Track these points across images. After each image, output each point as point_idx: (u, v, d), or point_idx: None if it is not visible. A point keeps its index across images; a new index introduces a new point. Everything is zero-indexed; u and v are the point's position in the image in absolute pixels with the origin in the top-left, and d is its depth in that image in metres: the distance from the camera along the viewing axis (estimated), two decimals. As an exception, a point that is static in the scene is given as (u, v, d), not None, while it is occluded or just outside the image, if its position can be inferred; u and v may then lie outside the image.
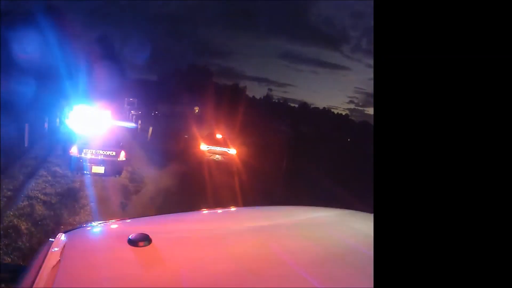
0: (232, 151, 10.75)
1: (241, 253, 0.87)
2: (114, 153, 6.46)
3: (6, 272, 0.92)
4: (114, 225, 1.08)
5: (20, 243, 3.56)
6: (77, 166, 6.21)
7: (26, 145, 8.27)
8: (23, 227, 3.89)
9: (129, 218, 1.12)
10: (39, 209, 4.55)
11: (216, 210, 1.35)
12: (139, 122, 17.18)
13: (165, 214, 1.24)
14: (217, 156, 10.57)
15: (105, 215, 4.96)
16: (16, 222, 3.98)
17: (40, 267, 0.72)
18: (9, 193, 4.88)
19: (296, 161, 13.84)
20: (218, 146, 10.77)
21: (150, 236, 0.84)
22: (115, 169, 6.53)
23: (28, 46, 15.40)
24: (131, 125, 15.61)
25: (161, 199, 6.11)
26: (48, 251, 0.79)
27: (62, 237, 0.87)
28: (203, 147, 10.65)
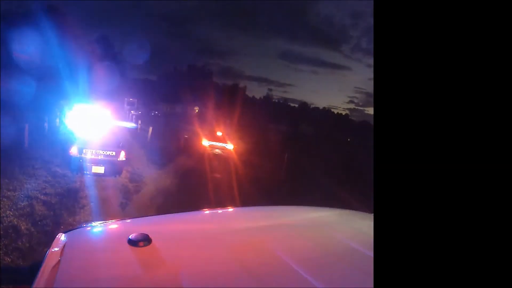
0: (230, 146, 12.39)
1: (241, 253, 0.87)
2: (114, 153, 6.46)
3: (6, 273, 0.92)
4: (114, 225, 1.08)
5: (20, 243, 3.56)
6: (77, 166, 6.21)
7: (26, 145, 8.27)
8: (23, 227, 3.89)
9: (129, 218, 1.12)
10: (39, 209, 4.55)
11: (216, 210, 1.35)
12: (139, 122, 17.17)
13: (165, 214, 1.24)
14: (217, 150, 12.34)
15: (105, 215, 4.96)
16: (16, 222, 3.98)
17: (40, 267, 0.72)
18: (9, 193, 4.87)
19: (295, 160, 13.96)
20: (218, 142, 12.53)
21: (150, 236, 0.84)
22: (115, 169, 6.52)
23: (28, 46, 15.39)
24: (131, 125, 15.64)
25: (161, 199, 6.11)
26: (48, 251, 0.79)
27: (62, 237, 0.87)
28: (205, 142, 12.35)
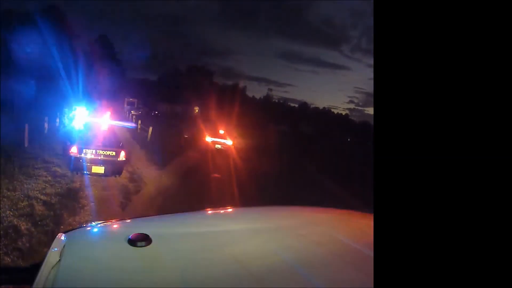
0: (229, 142, 14.22)
1: (241, 253, 0.87)
2: (114, 153, 6.45)
3: (6, 273, 0.92)
4: (114, 225, 1.08)
5: (20, 243, 3.56)
6: (77, 166, 6.20)
7: (26, 145, 8.27)
8: (23, 227, 3.89)
9: (129, 218, 1.12)
10: (39, 209, 4.55)
11: (216, 211, 1.35)
12: (139, 122, 17.18)
13: (165, 214, 1.24)
14: (218, 145, 14.16)
15: (105, 215, 4.96)
16: (16, 222, 3.98)
17: (40, 267, 0.72)
18: (9, 193, 4.87)
19: (294, 159, 14.28)
20: (219, 138, 14.36)
21: (150, 236, 0.84)
22: (115, 169, 6.52)
23: (28, 46, 15.40)
24: (131, 125, 15.74)
25: (161, 199, 6.11)
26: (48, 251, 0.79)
27: (62, 237, 0.87)
28: (208, 139, 14.11)
